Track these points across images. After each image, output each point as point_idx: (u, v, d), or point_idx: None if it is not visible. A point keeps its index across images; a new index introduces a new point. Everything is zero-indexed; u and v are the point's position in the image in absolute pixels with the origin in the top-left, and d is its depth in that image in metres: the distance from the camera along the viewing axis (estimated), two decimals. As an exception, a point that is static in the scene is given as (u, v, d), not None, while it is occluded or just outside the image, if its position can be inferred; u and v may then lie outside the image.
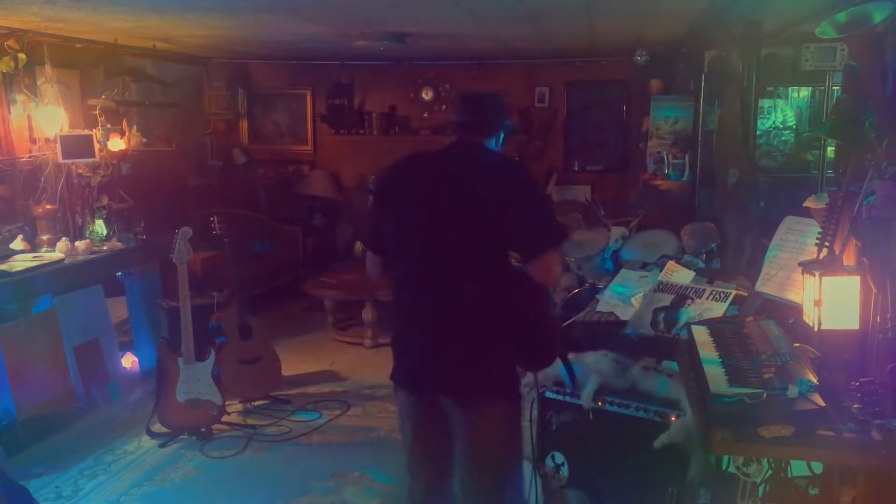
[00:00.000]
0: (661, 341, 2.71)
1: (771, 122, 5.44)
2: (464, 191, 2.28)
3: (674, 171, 5.78)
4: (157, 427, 4.22)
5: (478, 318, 2.28)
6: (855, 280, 1.97)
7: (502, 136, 2.49)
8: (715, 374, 1.99)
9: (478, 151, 2.39)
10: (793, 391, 1.82)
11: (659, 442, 2.38)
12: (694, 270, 3.16)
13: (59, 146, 4.69)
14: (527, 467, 2.84)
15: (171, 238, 4.24)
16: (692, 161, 5.56)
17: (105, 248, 4.83)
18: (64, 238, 4.66)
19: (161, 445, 4.12)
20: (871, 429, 1.71)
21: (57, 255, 4.46)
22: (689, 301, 2.83)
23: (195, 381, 4.18)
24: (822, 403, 1.79)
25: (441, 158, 2.40)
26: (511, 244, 2.30)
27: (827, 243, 2.08)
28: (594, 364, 2.67)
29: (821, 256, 2.07)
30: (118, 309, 5.10)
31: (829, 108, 4.78)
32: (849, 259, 2.11)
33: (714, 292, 2.84)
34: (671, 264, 3.24)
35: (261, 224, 7.19)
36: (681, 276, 3.10)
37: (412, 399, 2.45)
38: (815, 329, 2.00)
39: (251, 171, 7.41)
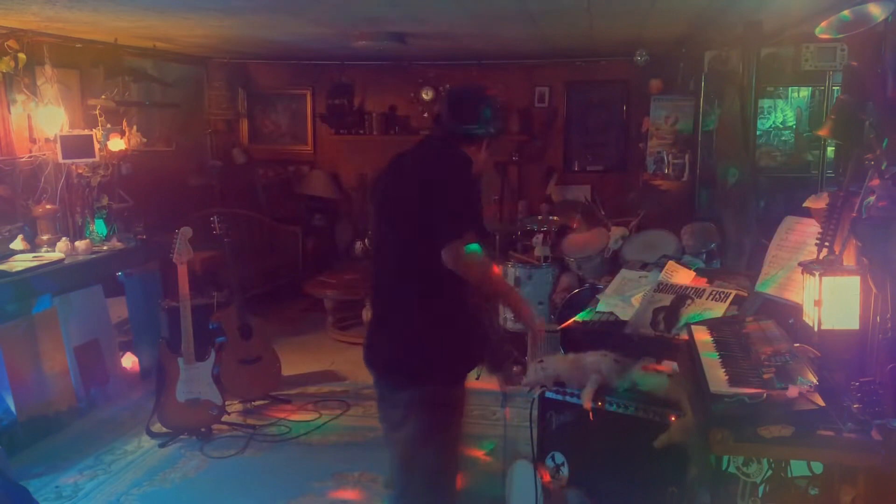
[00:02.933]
0: (661, 341, 2.71)
1: (771, 122, 5.44)
2: (401, 183, 2.45)
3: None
4: (157, 427, 4.22)
5: (411, 304, 2.42)
6: (855, 280, 1.97)
7: (476, 135, 2.50)
8: (715, 374, 1.99)
9: (430, 145, 2.56)
10: (793, 391, 1.82)
11: (659, 442, 2.38)
12: (694, 270, 3.16)
13: (59, 146, 4.69)
14: (527, 467, 2.84)
15: (171, 238, 4.24)
16: (692, 161, 5.55)
17: (105, 248, 4.83)
18: (64, 238, 4.65)
19: (161, 445, 4.12)
20: (871, 429, 1.70)
21: (57, 255, 4.46)
22: (689, 301, 2.83)
23: (195, 381, 4.18)
24: (822, 403, 1.79)
25: (403, 155, 2.57)
26: (430, 231, 2.33)
27: (827, 243, 2.07)
28: (594, 364, 2.67)
29: (821, 256, 2.07)
30: (118, 309, 5.10)
31: (829, 108, 4.78)
32: (849, 259, 2.11)
33: (714, 292, 2.84)
34: (671, 264, 3.24)
35: (261, 224, 7.19)
36: (681, 276, 3.10)
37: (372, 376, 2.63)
38: (815, 329, 2.00)
39: (251, 171, 7.41)
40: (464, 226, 2.32)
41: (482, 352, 2.57)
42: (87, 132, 4.89)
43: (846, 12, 2.12)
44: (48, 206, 4.73)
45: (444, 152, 2.48)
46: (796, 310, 2.26)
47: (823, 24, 2.21)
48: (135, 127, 5.36)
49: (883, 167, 1.97)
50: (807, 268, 2.05)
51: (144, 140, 5.39)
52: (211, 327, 4.63)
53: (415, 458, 2.47)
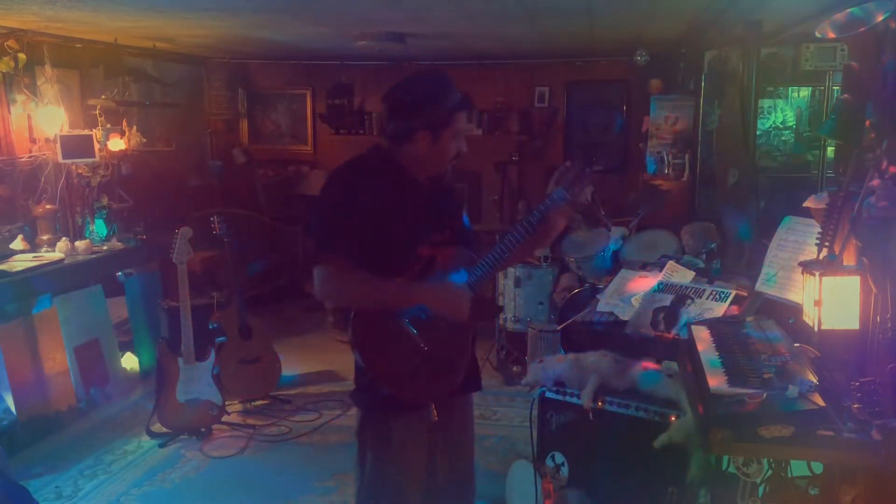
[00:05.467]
0: (661, 341, 2.71)
1: (771, 122, 5.44)
2: None
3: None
4: (157, 427, 4.22)
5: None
6: (855, 280, 1.97)
7: (406, 130, 2.23)
8: (715, 374, 1.98)
9: (358, 156, 2.37)
10: (793, 391, 1.82)
11: (659, 442, 2.38)
12: (694, 270, 3.15)
13: (59, 146, 4.69)
14: (527, 467, 2.84)
15: (171, 238, 4.24)
16: (692, 161, 5.56)
17: (105, 248, 4.83)
18: (64, 238, 4.66)
19: (161, 445, 4.12)
20: (871, 429, 1.70)
21: (57, 255, 4.46)
22: (689, 301, 2.83)
23: (195, 381, 4.18)
24: (822, 403, 1.78)
25: None
26: None
27: (827, 243, 2.07)
28: (594, 364, 2.67)
29: (821, 256, 2.07)
30: (118, 309, 5.10)
31: (829, 108, 4.78)
32: (849, 259, 2.11)
33: (714, 292, 2.84)
34: (671, 264, 3.24)
35: (261, 224, 7.19)
36: (681, 276, 3.10)
37: None
38: (815, 329, 1.99)
39: (251, 171, 7.41)
40: (322, 250, 2.14)
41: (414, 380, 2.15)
42: (87, 132, 4.89)
43: (845, 12, 2.12)
44: (48, 206, 4.73)
45: (338, 167, 2.32)
46: (796, 310, 2.26)
47: (823, 24, 2.21)
48: (135, 127, 5.37)
49: (883, 167, 1.97)
50: (807, 268, 2.05)
51: (144, 140, 5.39)
52: (211, 327, 4.63)
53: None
